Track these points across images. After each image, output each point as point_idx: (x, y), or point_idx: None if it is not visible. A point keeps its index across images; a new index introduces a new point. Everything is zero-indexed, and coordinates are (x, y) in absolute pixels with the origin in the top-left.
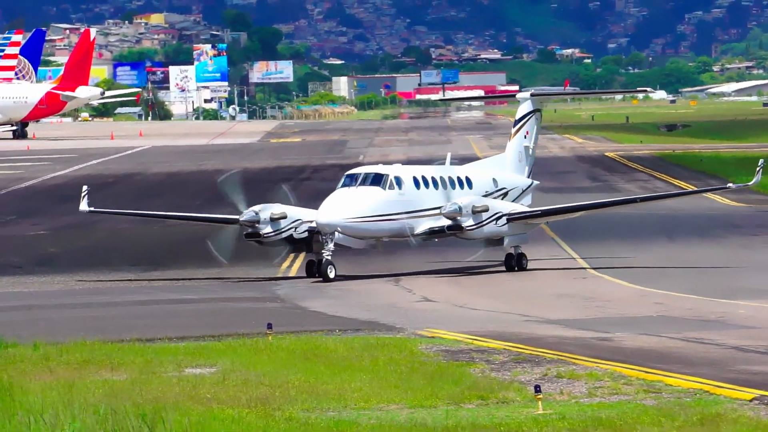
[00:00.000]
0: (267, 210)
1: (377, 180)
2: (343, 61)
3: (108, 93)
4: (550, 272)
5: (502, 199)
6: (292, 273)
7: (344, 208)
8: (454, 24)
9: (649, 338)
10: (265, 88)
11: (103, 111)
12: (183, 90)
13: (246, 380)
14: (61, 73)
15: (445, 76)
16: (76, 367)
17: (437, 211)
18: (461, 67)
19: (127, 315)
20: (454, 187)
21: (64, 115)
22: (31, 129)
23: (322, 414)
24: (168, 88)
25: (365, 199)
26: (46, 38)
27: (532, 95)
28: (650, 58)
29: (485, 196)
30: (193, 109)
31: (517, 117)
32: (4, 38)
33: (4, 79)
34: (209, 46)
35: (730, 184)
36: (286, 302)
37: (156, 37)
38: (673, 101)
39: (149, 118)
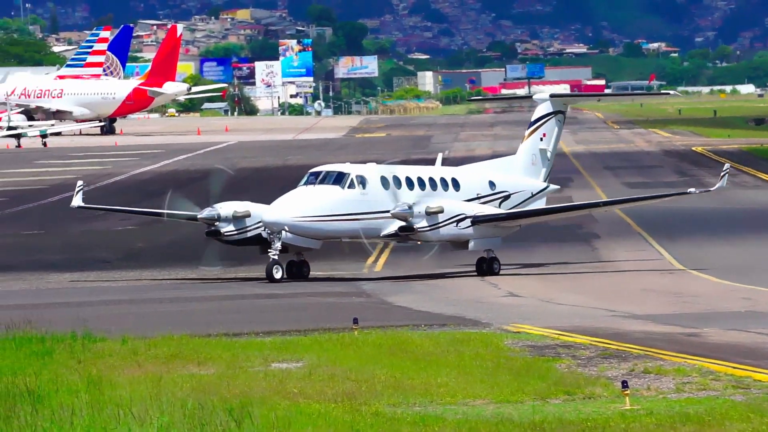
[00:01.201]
0: (228, 207)
1: (338, 179)
2: (428, 56)
3: (194, 89)
4: (637, 267)
5: (502, 202)
6: (378, 269)
7: (294, 206)
8: (539, 18)
9: (738, 333)
10: (350, 84)
11: (189, 106)
12: (269, 85)
13: (332, 375)
14: (149, 69)
15: (530, 70)
16: (163, 362)
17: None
18: (546, 61)
19: (214, 310)
20: (435, 188)
21: (151, 111)
22: (118, 125)
23: (408, 409)
24: (254, 84)
25: (319, 197)
26: (134, 34)
27: (551, 96)
28: (738, 52)
29: (476, 198)
30: (279, 105)
31: (533, 118)
32: (92, 35)
33: (93, 75)
34: (295, 41)
35: (691, 189)
36: (371, 297)
37: (242, 32)
38: (761, 95)
39: (235, 113)
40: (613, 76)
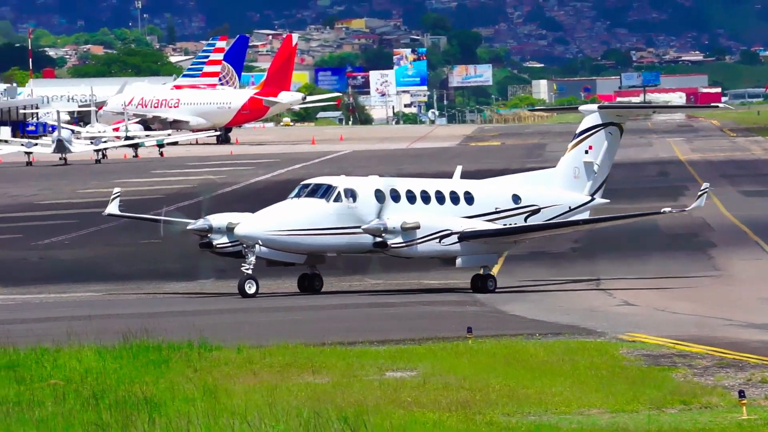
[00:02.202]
0: (222, 219)
1: (324, 192)
2: (542, 65)
3: (309, 98)
4: (754, 276)
5: (529, 216)
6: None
7: (269, 219)
8: (655, 26)
9: None
10: (465, 92)
11: (304, 116)
12: (383, 94)
13: (446, 384)
14: (264, 78)
15: (645, 78)
16: (278, 370)
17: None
18: (662, 69)
19: (328, 318)
20: (442, 202)
21: (266, 120)
22: (234, 134)
23: (523, 418)
24: (368, 93)
25: (300, 211)
26: (250, 44)
27: (600, 108)
28: None
29: (494, 213)
30: (393, 114)
31: (579, 130)
32: (209, 44)
33: (209, 84)
34: (409, 50)
35: (665, 209)
36: (485, 306)
37: (357, 41)
38: None
39: (350, 122)
40: (729, 83)
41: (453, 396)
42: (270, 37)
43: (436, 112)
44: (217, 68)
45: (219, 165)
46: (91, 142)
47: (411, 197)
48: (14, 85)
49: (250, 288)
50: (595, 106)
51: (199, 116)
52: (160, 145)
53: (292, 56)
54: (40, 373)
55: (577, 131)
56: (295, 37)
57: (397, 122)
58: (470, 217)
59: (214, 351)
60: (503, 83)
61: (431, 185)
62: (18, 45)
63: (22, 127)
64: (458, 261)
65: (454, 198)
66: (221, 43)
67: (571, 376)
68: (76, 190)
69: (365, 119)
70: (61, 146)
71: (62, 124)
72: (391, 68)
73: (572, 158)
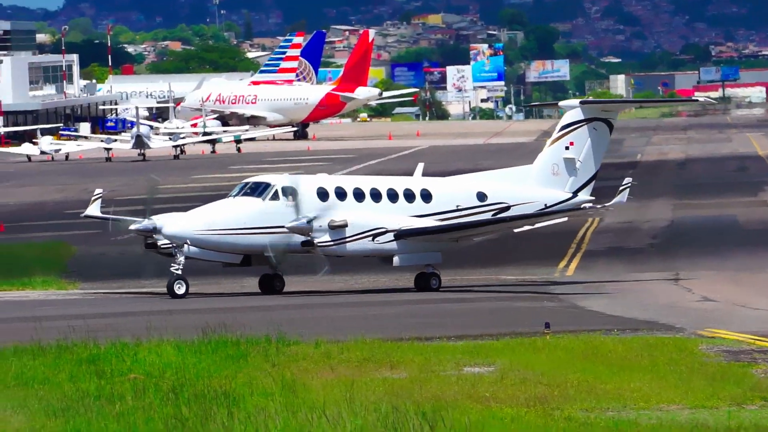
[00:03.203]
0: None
1: (260, 190)
2: (620, 60)
3: (386, 93)
4: None
5: (496, 214)
6: (569, 273)
7: (198, 219)
8: (734, 20)
9: None
10: (542, 87)
11: (381, 111)
12: (460, 90)
13: (524, 379)
14: (341, 74)
15: (724, 73)
16: (356, 365)
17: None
18: (741, 63)
19: (405, 314)
20: (395, 200)
21: (343, 116)
22: (311, 130)
23: (601, 414)
24: (445, 88)
25: (232, 210)
26: (326, 40)
27: (581, 104)
28: None
29: (455, 211)
30: (470, 109)
31: (559, 126)
32: (286, 40)
33: (286, 80)
34: (486, 45)
35: (585, 205)
36: (563, 301)
37: (433, 37)
38: None
39: (426, 118)
40: None
41: (531, 391)
42: (347, 32)
43: (513, 108)
44: (294, 64)
45: (296, 161)
46: (170, 138)
47: (359, 195)
48: (94, 81)
49: (180, 288)
50: (576, 101)
51: (276, 112)
52: (238, 141)
53: (368, 52)
54: (120, 367)
55: (558, 127)
56: (371, 32)
57: (474, 118)
58: (428, 216)
59: (292, 346)
60: (580, 78)
61: (383, 183)
62: (97, 42)
63: (101, 123)
64: (395, 260)
65: (409, 196)
66: (298, 39)
67: (650, 372)
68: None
69: (442, 115)
70: (139, 142)
71: (141, 120)
72: (468, 64)
73: (551, 154)
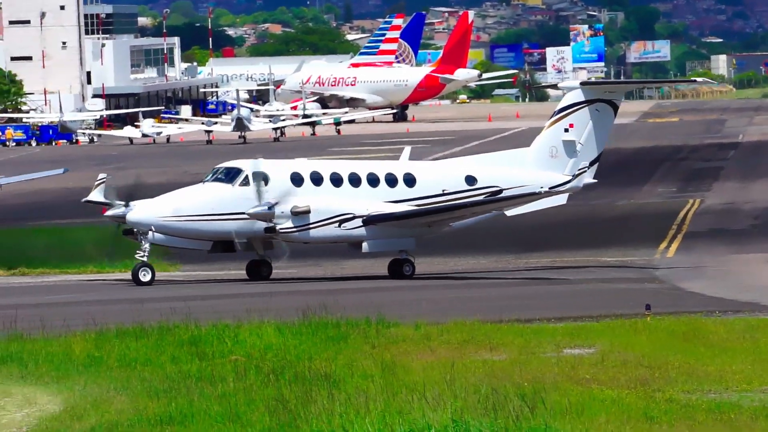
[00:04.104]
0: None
1: (231, 176)
2: (721, 40)
3: (485, 75)
4: None
5: (488, 197)
6: (670, 254)
7: (164, 205)
8: None
9: None
10: (642, 68)
11: (480, 93)
12: (559, 71)
13: (625, 361)
14: (440, 55)
15: None
16: (456, 347)
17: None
18: None
19: (505, 296)
20: (375, 185)
21: (442, 98)
22: (410, 111)
23: (703, 396)
24: (545, 70)
25: (199, 196)
26: (426, 21)
27: (582, 84)
28: None
29: (440, 195)
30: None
31: (558, 107)
32: (385, 22)
33: (385, 62)
34: (586, 26)
35: (541, 188)
36: (664, 283)
37: (533, 18)
38: None
39: (526, 99)
40: None
41: (632, 373)
42: (446, 14)
43: None
44: (393, 46)
45: (395, 143)
46: (270, 120)
47: (336, 180)
48: (195, 64)
49: (145, 276)
50: (577, 82)
51: (376, 94)
52: (337, 123)
53: (468, 33)
54: (221, 349)
55: (557, 108)
56: (471, 14)
57: None
58: (412, 200)
59: (392, 327)
60: (681, 59)
61: (363, 167)
62: (198, 25)
63: (202, 105)
64: (364, 246)
65: (390, 180)
66: (398, 21)
67: (752, 354)
68: None
69: (541, 96)
70: (240, 124)
71: (241, 103)
72: (568, 45)
73: (549, 137)
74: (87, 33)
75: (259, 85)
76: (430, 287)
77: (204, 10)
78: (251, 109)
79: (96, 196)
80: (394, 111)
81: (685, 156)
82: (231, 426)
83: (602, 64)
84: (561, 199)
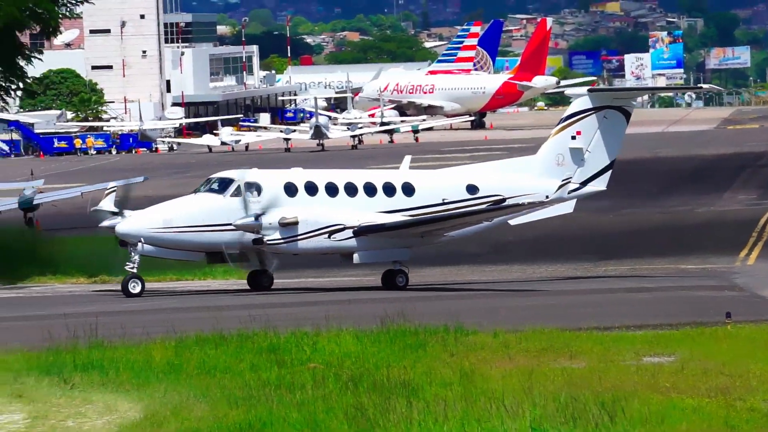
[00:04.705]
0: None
1: (223, 186)
2: None
3: (563, 82)
4: None
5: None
6: (750, 262)
7: (153, 217)
8: None
9: None
10: (722, 75)
11: (558, 100)
12: (638, 78)
13: (705, 369)
14: (518, 63)
15: None
16: (535, 355)
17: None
18: None
19: (584, 303)
20: (372, 195)
21: (520, 105)
22: (488, 119)
23: None
24: (623, 76)
25: (190, 207)
26: (504, 29)
27: (589, 92)
28: None
29: (440, 204)
30: (648, 97)
31: (565, 114)
32: (463, 30)
33: (463, 70)
34: (665, 33)
35: (524, 200)
36: (744, 291)
37: (611, 25)
38: None
39: None
40: None
41: (712, 382)
42: (524, 21)
43: (693, 95)
44: (471, 53)
45: (472, 150)
46: (348, 128)
47: (332, 190)
48: (273, 72)
49: (135, 288)
50: (584, 89)
51: (454, 101)
52: (415, 131)
53: (546, 40)
54: (300, 356)
55: (564, 115)
56: (549, 21)
57: (652, 105)
58: (411, 209)
59: (471, 335)
60: (762, 65)
61: (360, 176)
62: (277, 33)
63: (280, 113)
64: (355, 257)
65: (388, 189)
66: (476, 29)
67: None
68: None
69: None
70: (318, 132)
71: (319, 111)
72: (647, 51)
73: (555, 144)
74: (167, 42)
75: (337, 92)
76: (506, 295)
77: (282, 18)
78: (329, 117)
79: (106, 205)
80: (472, 118)
81: (765, 163)
82: None
83: (681, 70)
84: (568, 207)
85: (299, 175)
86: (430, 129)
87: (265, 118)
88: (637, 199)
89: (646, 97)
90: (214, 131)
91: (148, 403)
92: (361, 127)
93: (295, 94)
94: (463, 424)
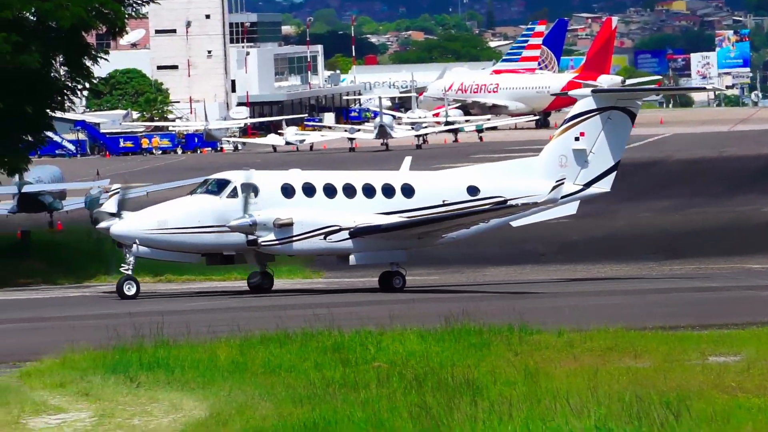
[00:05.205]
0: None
1: (219, 187)
2: None
3: (628, 81)
4: None
5: (497, 208)
6: None
7: (148, 218)
8: None
9: None
10: None
11: None
12: (704, 77)
13: None
14: (583, 62)
15: None
16: (599, 354)
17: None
18: None
19: (649, 303)
20: (371, 196)
21: None
22: (553, 118)
23: None
24: (689, 75)
25: (186, 208)
26: (569, 28)
27: (593, 92)
28: None
29: (441, 206)
30: (715, 95)
31: (569, 116)
32: (528, 29)
33: (528, 69)
34: (731, 31)
35: (514, 202)
36: None
37: (677, 23)
38: None
39: (670, 105)
40: None
41: None
42: (589, 20)
43: (760, 94)
44: (536, 53)
45: (537, 150)
46: (412, 128)
47: (330, 191)
48: (338, 72)
49: (130, 289)
50: (588, 90)
51: (518, 101)
52: (480, 130)
53: (611, 39)
54: (364, 355)
55: (567, 116)
56: (614, 20)
57: (719, 104)
58: (410, 211)
59: (535, 334)
60: None
61: (359, 177)
62: (341, 32)
63: (345, 113)
64: (351, 258)
65: (387, 190)
66: (540, 28)
67: None
68: None
69: (686, 102)
70: (382, 132)
71: (384, 110)
72: (713, 50)
73: (558, 146)
74: (232, 41)
75: (401, 92)
76: (571, 294)
77: (347, 18)
78: (394, 117)
79: (109, 207)
80: (537, 118)
81: None
82: None
83: (748, 69)
84: (571, 209)
85: (297, 177)
86: (494, 128)
87: (329, 118)
88: (703, 199)
89: (712, 95)
90: (279, 131)
91: (213, 401)
92: (425, 127)
93: (360, 94)
94: (527, 423)
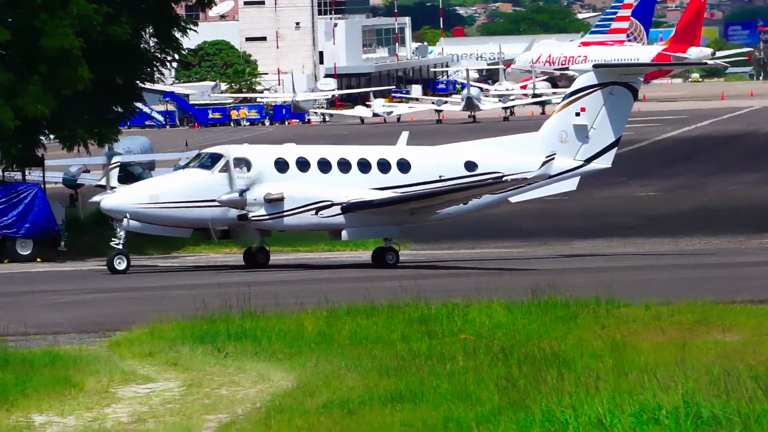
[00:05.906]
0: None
1: (211, 161)
2: None
3: (718, 53)
4: None
5: (487, 184)
6: None
7: (139, 192)
8: None
9: None
10: None
11: (713, 71)
12: None
13: None
14: (672, 34)
15: None
16: (687, 328)
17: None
18: None
19: (738, 276)
20: (366, 171)
21: (674, 76)
22: (642, 91)
23: None
24: None
25: (177, 182)
26: (658, 0)
27: (595, 67)
28: None
29: (438, 181)
30: None
31: (570, 91)
32: (617, 1)
33: (616, 41)
34: None
35: (507, 177)
36: None
37: None
38: None
39: (761, 78)
40: None
41: None
42: None
43: None
44: (625, 24)
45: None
46: (499, 100)
47: (324, 165)
48: (425, 44)
49: (120, 264)
50: (589, 65)
51: None
52: None
53: (701, 11)
54: (450, 327)
55: (568, 92)
56: None
57: None
58: (406, 186)
59: (622, 308)
60: None
61: (355, 152)
62: (429, 4)
63: (432, 85)
64: (343, 234)
65: (383, 165)
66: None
67: None
68: None
69: None
70: (470, 104)
71: (471, 83)
72: None
73: (558, 121)
74: (320, 13)
75: (489, 64)
76: (658, 267)
77: None
78: (481, 89)
79: (109, 180)
80: None
81: None
82: (461, 404)
83: None
84: (571, 185)
85: (291, 151)
86: None
87: (416, 90)
88: None
89: None
90: (367, 102)
91: (300, 372)
92: (512, 99)
93: (447, 66)
94: (614, 396)
